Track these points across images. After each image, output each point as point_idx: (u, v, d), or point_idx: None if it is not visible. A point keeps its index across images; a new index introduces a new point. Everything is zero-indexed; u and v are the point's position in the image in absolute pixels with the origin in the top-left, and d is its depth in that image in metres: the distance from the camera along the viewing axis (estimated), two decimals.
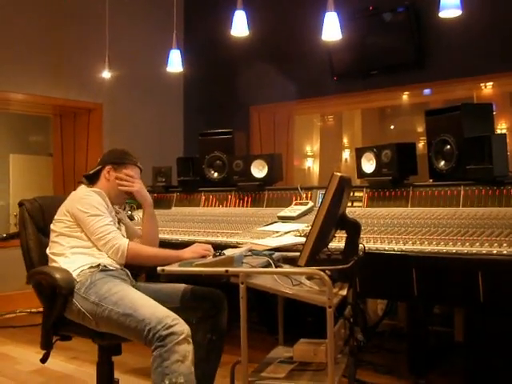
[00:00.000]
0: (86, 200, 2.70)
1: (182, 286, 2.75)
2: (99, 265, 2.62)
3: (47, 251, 2.75)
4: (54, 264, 2.68)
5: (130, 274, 2.74)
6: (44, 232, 2.85)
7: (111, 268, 2.65)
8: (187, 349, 2.26)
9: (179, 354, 2.23)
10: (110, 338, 2.55)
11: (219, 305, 2.71)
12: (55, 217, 2.76)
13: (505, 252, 2.48)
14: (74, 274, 2.57)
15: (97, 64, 5.49)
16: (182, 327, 2.27)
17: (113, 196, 2.83)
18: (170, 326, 2.25)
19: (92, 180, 2.87)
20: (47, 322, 2.62)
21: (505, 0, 4.61)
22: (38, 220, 2.88)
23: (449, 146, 3.44)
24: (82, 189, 2.81)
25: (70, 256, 2.65)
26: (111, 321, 2.42)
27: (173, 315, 2.30)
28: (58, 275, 2.52)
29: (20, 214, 2.89)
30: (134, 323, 2.33)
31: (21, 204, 2.90)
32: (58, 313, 2.57)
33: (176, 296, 2.69)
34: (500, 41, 4.61)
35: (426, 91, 5.68)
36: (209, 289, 2.73)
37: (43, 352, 2.70)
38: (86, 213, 2.66)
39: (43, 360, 2.71)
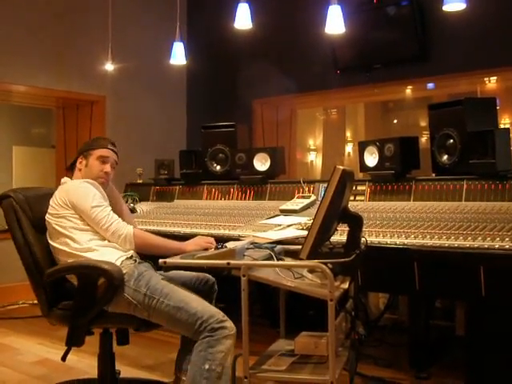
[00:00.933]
0: (82, 191, 2.71)
1: (184, 272, 2.79)
2: (132, 256, 2.66)
3: (62, 247, 2.67)
4: (81, 259, 2.63)
5: (153, 265, 2.75)
6: (34, 226, 2.76)
7: (141, 260, 2.70)
8: (232, 345, 2.35)
9: (225, 347, 2.32)
10: (155, 326, 2.59)
11: (212, 288, 2.84)
12: (51, 211, 2.72)
13: (507, 246, 2.48)
14: (118, 265, 2.57)
15: (100, 56, 5.47)
16: (231, 324, 2.36)
17: None
18: (222, 321, 2.34)
19: (69, 170, 2.93)
20: (83, 317, 2.56)
21: None
22: (27, 213, 2.76)
23: (452, 141, 3.44)
24: (74, 181, 2.82)
25: (98, 248, 2.64)
26: (161, 312, 2.46)
27: (221, 312, 2.39)
28: (108, 267, 2.48)
29: (8, 206, 2.74)
30: (186, 316, 2.39)
31: (7, 196, 2.76)
32: (103, 306, 2.54)
33: (186, 282, 2.73)
34: (504, 35, 4.59)
35: (430, 85, 5.66)
36: (202, 274, 2.82)
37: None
38: (87, 204, 2.66)
39: (64, 357, 2.65)
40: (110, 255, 2.61)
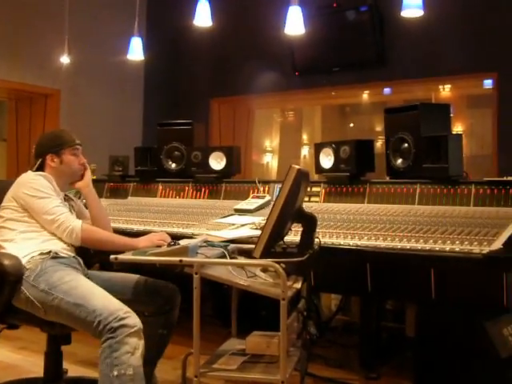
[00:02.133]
0: (31, 184, 2.64)
1: (136, 277, 2.71)
2: (50, 251, 2.55)
3: None
4: (2, 250, 2.59)
5: (82, 262, 2.69)
6: None
7: (63, 255, 2.59)
8: (138, 342, 2.22)
9: (130, 346, 2.20)
10: (60, 327, 2.49)
11: (173, 301, 2.70)
12: (2, 204, 2.69)
13: (457, 249, 2.51)
14: (24, 261, 2.50)
15: (55, 48, 5.36)
16: (134, 320, 2.24)
17: (62, 180, 2.81)
18: (122, 319, 2.21)
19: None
20: None
21: (466, 3, 4.68)
22: None
23: (406, 144, 3.48)
24: (29, 174, 2.74)
25: (20, 242, 2.58)
26: (61, 310, 2.36)
27: (125, 308, 2.27)
28: (6, 261, 2.43)
29: None
30: (85, 314, 2.28)
31: None
32: (6, 301, 2.47)
33: (128, 288, 2.66)
34: (460, 44, 4.69)
35: (386, 90, 5.76)
36: (163, 283, 2.71)
37: None
38: (34, 196, 2.60)
39: None
40: (23, 249, 2.54)
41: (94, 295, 2.34)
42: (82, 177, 2.92)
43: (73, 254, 2.65)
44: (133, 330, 2.21)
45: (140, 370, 2.22)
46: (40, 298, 2.41)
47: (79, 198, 3.29)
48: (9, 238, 2.60)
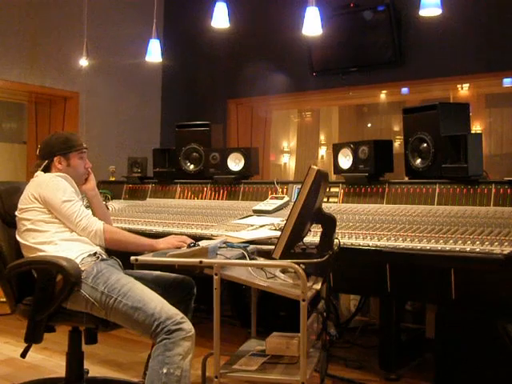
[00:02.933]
0: (54, 185, 2.67)
1: (161, 273, 2.79)
2: (96, 253, 2.61)
3: (24, 242, 2.65)
4: (40, 253, 2.59)
5: (120, 262, 2.73)
6: (5, 220, 2.75)
7: (105, 257, 2.65)
8: (190, 347, 2.30)
9: (183, 349, 2.27)
10: (114, 326, 2.53)
11: (191, 290, 2.80)
12: (20, 205, 2.69)
13: (477, 250, 2.50)
14: (77, 262, 2.53)
15: (74, 51, 5.40)
16: (189, 326, 2.32)
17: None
18: (179, 323, 2.29)
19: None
20: (41, 313, 2.51)
21: (485, 2, 4.65)
22: None
23: (425, 144, 3.47)
24: (47, 174, 2.76)
25: (60, 243, 2.60)
26: (119, 312, 2.41)
27: (181, 313, 2.34)
28: (64, 263, 2.44)
29: None
30: (143, 317, 2.34)
31: None
32: (61, 303, 2.49)
33: (158, 283, 2.71)
34: (478, 42, 4.65)
35: (404, 90, 5.72)
36: (181, 276, 2.80)
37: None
38: (58, 198, 2.63)
39: (24, 354, 2.63)
40: (70, 251, 2.57)
41: (151, 299, 2.40)
42: (85, 181, 2.95)
43: (108, 256, 2.70)
44: (188, 335, 2.29)
45: (187, 374, 2.29)
46: (100, 300, 2.45)
47: (103, 199, 3.34)
48: (46, 241, 2.61)
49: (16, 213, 2.70)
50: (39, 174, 2.79)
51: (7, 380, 3.36)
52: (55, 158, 2.81)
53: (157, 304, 2.36)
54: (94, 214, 2.93)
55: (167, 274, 2.78)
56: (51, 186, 2.67)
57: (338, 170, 3.81)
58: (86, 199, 3.03)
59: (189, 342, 2.28)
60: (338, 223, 2.52)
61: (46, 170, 2.81)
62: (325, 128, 9.44)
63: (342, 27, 5.21)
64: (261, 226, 3.30)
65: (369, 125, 8.97)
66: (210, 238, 3.01)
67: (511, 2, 4.57)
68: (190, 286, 2.80)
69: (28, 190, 2.71)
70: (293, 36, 5.05)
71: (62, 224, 2.65)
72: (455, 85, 5.54)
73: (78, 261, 2.53)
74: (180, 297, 2.71)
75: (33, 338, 2.55)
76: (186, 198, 4.45)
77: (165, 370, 2.24)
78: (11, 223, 2.74)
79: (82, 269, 2.51)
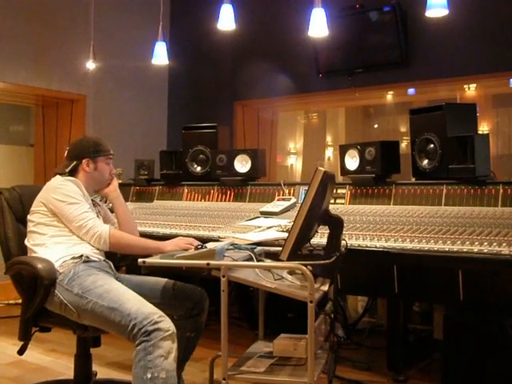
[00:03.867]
0: (61, 189, 2.68)
1: (165, 281, 2.74)
2: (82, 255, 2.60)
3: (26, 242, 2.71)
4: (33, 254, 2.64)
5: (112, 265, 2.73)
6: (23, 222, 2.81)
7: (94, 259, 2.63)
8: (172, 345, 2.25)
9: (163, 350, 2.22)
10: (93, 330, 2.53)
11: (201, 305, 2.71)
12: (31, 208, 2.73)
13: (485, 251, 2.49)
14: (57, 265, 2.55)
15: (81, 54, 5.42)
16: (168, 324, 2.26)
17: (91, 186, 2.86)
18: (156, 322, 2.24)
19: (70, 174, 2.84)
20: (26, 313, 2.57)
21: (491, 2, 4.63)
22: (16, 209, 2.85)
23: (432, 145, 3.46)
24: (57, 179, 2.78)
25: (51, 246, 2.62)
26: (95, 314, 2.40)
27: (159, 312, 2.29)
28: (39, 265, 2.48)
29: None
30: (119, 317, 2.31)
31: None
32: (39, 304, 2.53)
33: (158, 291, 2.69)
34: (485, 43, 4.63)
35: (410, 91, 5.70)
36: (192, 287, 2.73)
37: (20, 344, 2.66)
38: (63, 202, 2.64)
39: (21, 352, 2.67)
40: (55, 254, 2.58)
41: (128, 299, 2.36)
42: (108, 186, 2.96)
43: (103, 258, 2.69)
44: (167, 334, 2.23)
45: (173, 373, 2.25)
46: (74, 302, 2.45)
47: (105, 202, 3.33)
48: (40, 243, 2.64)
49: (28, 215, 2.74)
50: (54, 178, 2.81)
51: (16, 382, 3.37)
52: (84, 161, 2.83)
53: (134, 304, 2.32)
54: (116, 217, 2.94)
55: (178, 282, 2.73)
56: (59, 190, 2.68)
57: (344, 171, 3.80)
58: (109, 201, 3.03)
59: (169, 341, 2.23)
60: (345, 224, 2.51)
61: (73, 171, 2.83)
62: (331, 129, 9.44)
63: (348, 28, 5.20)
64: (268, 228, 3.30)
65: (375, 126, 8.95)
66: (218, 240, 3.01)
67: None
68: (200, 298, 2.71)
69: (40, 194, 2.74)
70: (299, 37, 5.04)
71: (61, 228, 2.66)
72: (462, 85, 5.52)
73: (58, 263, 2.55)
74: (187, 310, 2.67)
75: (22, 335, 2.62)
76: (193, 200, 4.45)
77: (149, 375, 2.19)
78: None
79: (60, 271, 2.53)
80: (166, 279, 2.75)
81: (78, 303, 2.43)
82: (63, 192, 2.67)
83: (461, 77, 4.92)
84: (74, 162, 2.83)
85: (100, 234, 2.63)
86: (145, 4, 6.10)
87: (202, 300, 2.71)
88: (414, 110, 3.70)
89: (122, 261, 2.96)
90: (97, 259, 2.64)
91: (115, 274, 2.72)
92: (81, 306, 2.42)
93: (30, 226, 2.70)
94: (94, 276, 2.50)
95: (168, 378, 2.22)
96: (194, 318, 2.68)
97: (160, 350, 2.21)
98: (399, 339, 3.31)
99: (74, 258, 2.58)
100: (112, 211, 3.03)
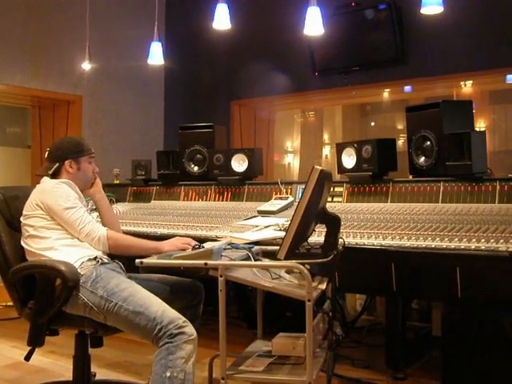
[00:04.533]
0: (57, 192, 2.67)
1: (168, 277, 2.78)
2: (96, 257, 2.61)
3: (26, 247, 2.68)
4: (43, 259, 2.60)
5: (122, 266, 2.73)
6: (11, 225, 2.75)
7: (106, 261, 2.65)
8: (193, 350, 2.29)
9: (185, 352, 2.26)
10: (114, 330, 2.53)
11: (200, 296, 2.78)
12: (25, 212, 2.70)
13: (483, 247, 2.50)
14: (76, 266, 2.54)
15: (77, 55, 5.41)
16: (192, 330, 2.31)
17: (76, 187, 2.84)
18: (181, 327, 2.29)
19: (53, 176, 2.83)
20: (42, 317, 2.53)
21: None
22: (4, 212, 2.76)
23: (429, 142, 3.46)
24: (51, 181, 2.76)
25: (61, 248, 2.61)
26: (119, 316, 2.41)
27: (182, 317, 2.33)
28: (63, 267, 2.45)
29: None
30: (145, 321, 2.33)
31: None
32: (59, 307, 2.50)
33: (164, 287, 2.71)
34: (481, 39, 4.64)
35: (407, 88, 5.70)
36: (190, 280, 2.78)
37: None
38: (60, 205, 2.64)
39: (28, 357, 2.64)
40: (70, 256, 2.57)
41: (152, 302, 2.39)
42: (92, 185, 2.96)
43: (110, 259, 2.70)
44: (190, 339, 2.28)
45: (191, 377, 2.28)
46: (99, 304, 2.45)
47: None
48: (47, 247, 2.62)
49: (21, 218, 2.72)
50: (44, 179, 2.80)
51: None
52: (66, 162, 2.81)
53: (158, 308, 2.35)
54: (101, 217, 2.94)
55: (179, 278, 2.77)
56: (54, 193, 2.67)
57: (341, 169, 3.81)
58: (93, 202, 3.04)
59: (191, 345, 2.28)
60: (342, 223, 2.51)
61: (56, 173, 2.81)
62: (328, 127, 9.43)
63: (344, 26, 5.20)
64: (265, 227, 3.30)
65: (372, 123, 8.95)
66: (215, 240, 3.01)
67: None
68: (198, 290, 2.78)
69: (32, 196, 2.72)
70: (294, 36, 5.04)
71: (64, 230, 2.66)
72: (458, 82, 5.52)
73: (77, 265, 2.53)
74: (187, 301, 2.70)
75: (35, 341, 2.57)
76: (191, 200, 4.45)
77: (168, 374, 2.24)
78: (17, 228, 2.75)
79: (81, 273, 2.52)
80: (169, 276, 2.79)
81: (104, 306, 2.44)
82: (59, 195, 2.66)
83: (457, 74, 4.92)
84: (57, 164, 2.81)
85: (99, 238, 2.64)
86: (140, 4, 6.10)
87: (200, 291, 2.79)
88: (411, 108, 3.70)
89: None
90: (108, 261, 2.67)
91: (125, 273, 2.73)
92: (106, 308, 2.43)
93: (30, 231, 2.66)
94: (115, 279, 2.52)
95: (186, 380, 2.26)
96: (193, 308, 2.72)
97: (182, 351, 2.25)
98: (398, 337, 3.31)
99: (90, 259, 2.59)
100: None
